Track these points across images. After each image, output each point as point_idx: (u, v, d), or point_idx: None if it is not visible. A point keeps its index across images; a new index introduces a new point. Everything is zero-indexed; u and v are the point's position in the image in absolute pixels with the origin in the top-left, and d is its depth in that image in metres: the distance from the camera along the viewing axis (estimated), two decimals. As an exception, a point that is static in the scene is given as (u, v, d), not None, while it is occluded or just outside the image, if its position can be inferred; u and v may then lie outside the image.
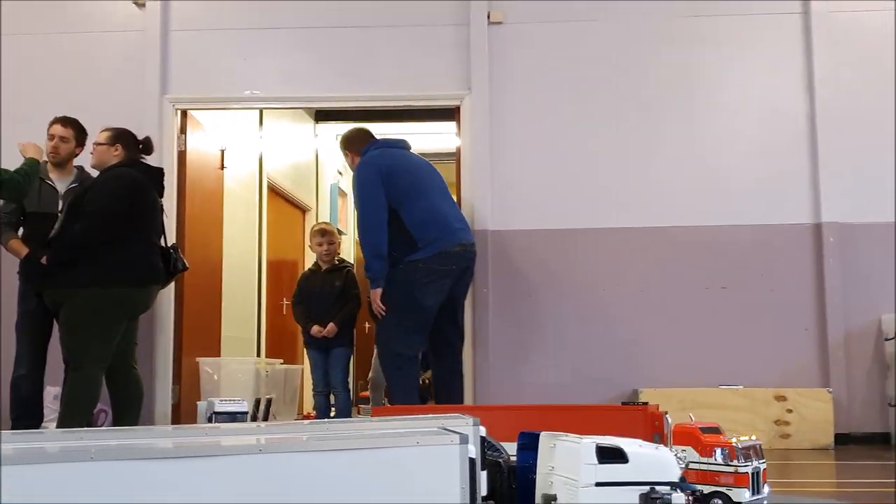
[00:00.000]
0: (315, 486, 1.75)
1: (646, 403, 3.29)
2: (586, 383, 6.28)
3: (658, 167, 6.57)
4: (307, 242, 7.31)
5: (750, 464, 2.83)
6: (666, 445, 2.97)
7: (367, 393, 7.44)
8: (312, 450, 1.80)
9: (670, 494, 1.98)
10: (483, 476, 2.05)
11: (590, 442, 2.07)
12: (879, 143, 6.46)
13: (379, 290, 5.21)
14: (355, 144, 5.68)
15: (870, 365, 6.32)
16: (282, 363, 7.64)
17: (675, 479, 2.03)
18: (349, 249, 11.05)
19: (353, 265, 6.80)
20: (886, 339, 6.26)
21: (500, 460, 2.47)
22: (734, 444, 2.85)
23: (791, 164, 6.50)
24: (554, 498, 2.14)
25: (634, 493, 1.99)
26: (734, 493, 2.80)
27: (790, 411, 6.02)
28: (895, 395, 6.13)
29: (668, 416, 3.08)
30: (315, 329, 6.18)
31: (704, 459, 2.88)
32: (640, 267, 6.48)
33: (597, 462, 2.03)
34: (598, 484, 2.02)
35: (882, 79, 6.52)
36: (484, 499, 2.10)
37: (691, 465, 2.89)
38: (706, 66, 6.68)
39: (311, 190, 10.21)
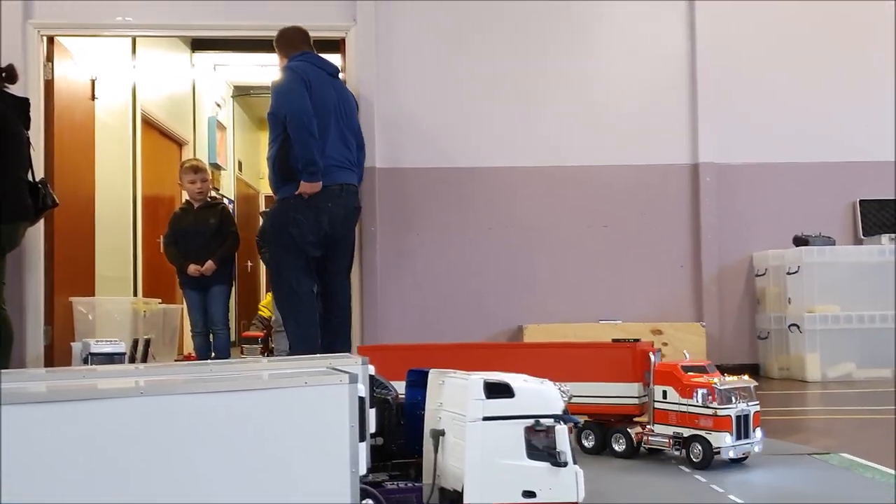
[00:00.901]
0: (200, 429, 1.69)
1: (637, 340, 3.15)
2: (473, 320, 6.37)
3: (543, 107, 6.62)
4: (180, 179, 7.05)
5: (733, 406, 2.72)
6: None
7: (250, 332, 7.37)
8: (197, 392, 1.74)
9: (553, 426, 2.02)
10: (372, 413, 2.04)
11: (478, 378, 2.09)
12: (756, 87, 6.69)
13: (317, 184, 5.05)
14: (286, 47, 5.43)
15: (741, 300, 6.62)
16: (160, 303, 7.45)
17: (559, 411, 2.06)
18: (230, 185, 10.76)
19: (233, 202, 6.62)
20: (757, 276, 6.56)
21: (389, 398, 2.48)
22: (715, 385, 2.73)
23: (670, 106, 6.66)
24: (442, 433, 2.16)
25: (520, 426, 2.02)
26: (713, 438, 2.70)
27: (665, 344, 6.23)
28: (764, 328, 6.46)
29: (654, 353, 2.97)
30: (192, 268, 6.01)
31: (685, 401, 2.76)
32: (525, 206, 6.56)
33: (484, 397, 2.05)
34: (486, 418, 2.04)
35: (761, 24, 6.71)
36: (373, 436, 2.10)
37: (672, 407, 2.80)
38: (591, 8, 6.72)
39: (188, 123, 9.86)
